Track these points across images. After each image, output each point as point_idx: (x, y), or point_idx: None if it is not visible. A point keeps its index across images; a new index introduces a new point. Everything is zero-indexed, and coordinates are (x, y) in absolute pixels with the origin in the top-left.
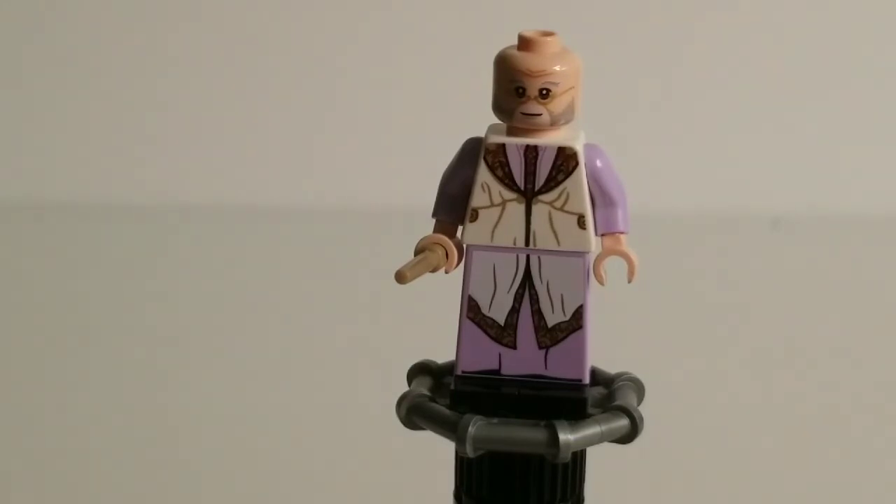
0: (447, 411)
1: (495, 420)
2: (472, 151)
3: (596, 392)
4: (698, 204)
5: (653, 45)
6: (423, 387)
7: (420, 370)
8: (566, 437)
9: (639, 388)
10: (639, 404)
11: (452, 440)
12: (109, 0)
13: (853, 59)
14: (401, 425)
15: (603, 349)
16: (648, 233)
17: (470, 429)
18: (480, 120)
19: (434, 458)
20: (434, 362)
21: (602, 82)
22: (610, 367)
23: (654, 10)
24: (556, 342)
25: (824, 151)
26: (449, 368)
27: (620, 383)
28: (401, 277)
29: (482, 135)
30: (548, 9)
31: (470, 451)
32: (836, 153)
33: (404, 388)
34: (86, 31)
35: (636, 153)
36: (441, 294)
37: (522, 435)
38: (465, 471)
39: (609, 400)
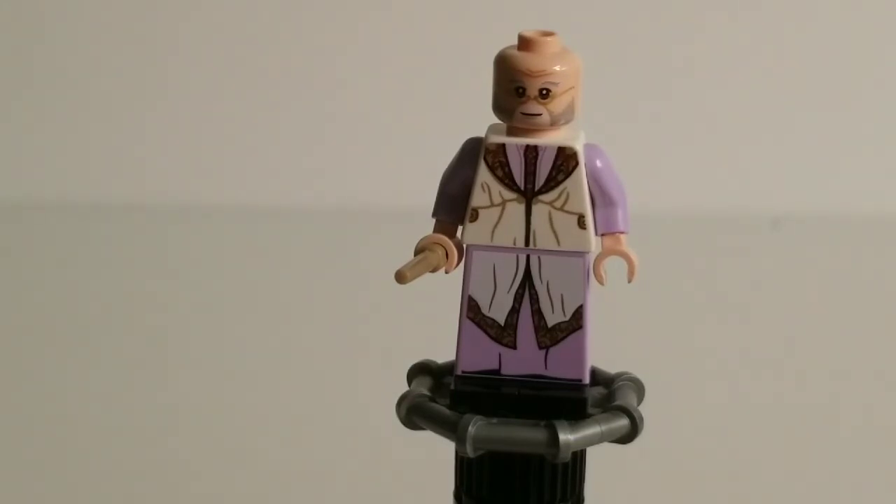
0: (447, 411)
1: (495, 420)
2: (472, 151)
3: (596, 392)
4: (698, 204)
5: (653, 45)
6: (423, 387)
7: (420, 370)
8: (566, 437)
9: (639, 388)
10: (639, 404)
11: (452, 440)
12: (110, 0)
13: (853, 60)
14: (401, 425)
15: (603, 349)
16: (648, 233)
17: (470, 429)
18: (480, 120)
19: (434, 458)
20: (434, 362)
21: (602, 82)
22: (610, 368)
23: (655, 10)
24: (556, 342)
25: (824, 151)
26: (449, 368)
27: (620, 383)
28: (401, 277)
29: (482, 135)
30: (548, 9)
31: (470, 451)
32: (835, 153)
33: (404, 388)
34: (86, 31)
35: (636, 153)
36: (441, 294)
37: (522, 435)
38: (465, 471)
39: (609, 400)
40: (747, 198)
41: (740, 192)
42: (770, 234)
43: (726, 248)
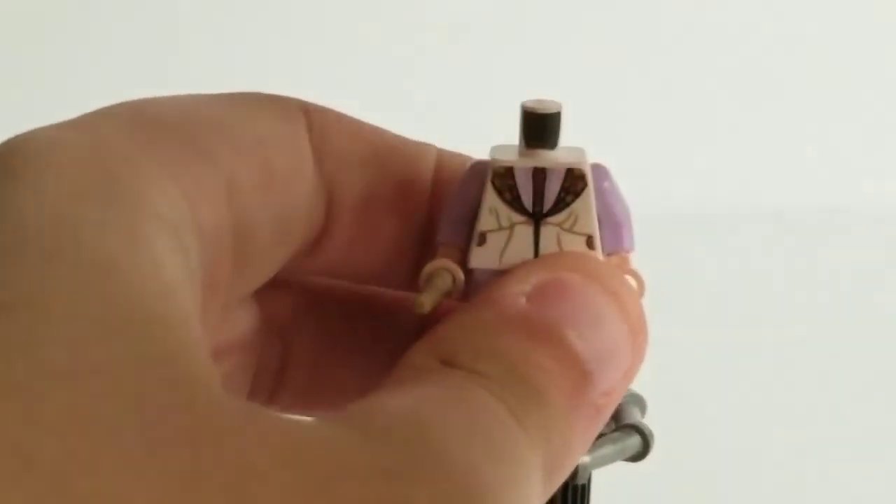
0: None
1: None
2: (479, 175)
3: None
4: (699, 204)
5: (654, 44)
6: None
7: None
8: (583, 458)
9: (641, 405)
10: (642, 419)
11: None
12: (111, 1)
13: (854, 60)
14: None
15: None
16: (649, 233)
17: None
18: (480, 127)
19: None
20: None
21: (604, 82)
22: None
23: (657, 10)
24: None
25: (824, 151)
26: None
27: (623, 400)
28: (421, 307)
29: (478, 140)
30: (548, 9)
31: None
32: (836, 153)
33: None
34: (86, 31)
35: (637, 153)
36: None
37: None
38: None
39: (613, 417)
40: (747, 197)
41: (740, 191)
42: (770, 233)
43: (726, 248)
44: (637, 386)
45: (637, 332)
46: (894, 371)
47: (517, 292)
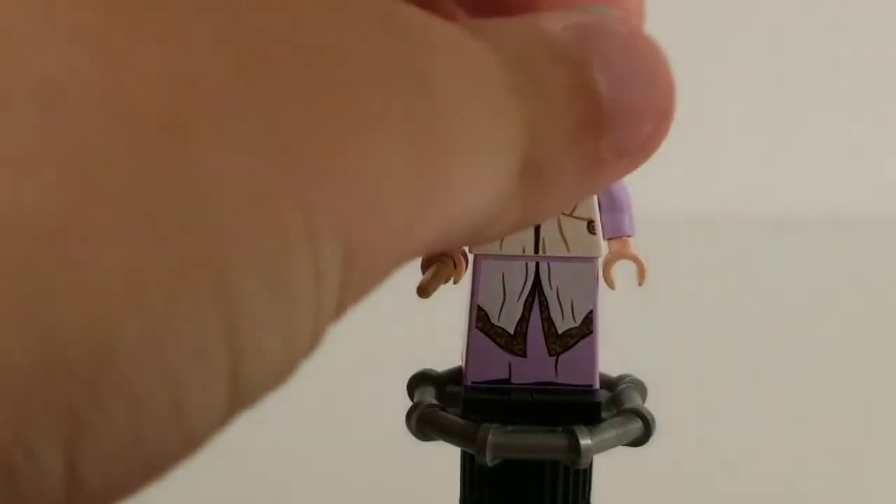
0: (462, 421)
1: (509, 428)
2: None
3: (601, 395)
4: (698, 204)
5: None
6: (429, 397)
7: (421, 380)
8: (586, 442)
9: (641, 390)
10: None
11: (471, 450)
12: None
13: (855, 64)
14: (400, 435)
15: (603, 350)
16: (650, 233)
17: (490, 438)
18: None
19: (436, 465)
20: (434, 371)
21: None
22: (610, 369)
23: (657, 11)
24: (566, 348)
25: (825, 153)
26: (450, 377)
27: (624, 385)
28: (424, 292)
29: None
30: None
31: (489, 460)
32: (836, 154)
33: (399, 392)
34: None
35: None
36: (434, 300)
37: (543, 442)
38: (472, 478)
39: (615, 402)
40: (747, 198)
41: (740, 192)
42: (770, 234)
43: (726, 248)
44: (638, 375)
45: (666, 106)
46: (892, 369)
47: (557, 19)
